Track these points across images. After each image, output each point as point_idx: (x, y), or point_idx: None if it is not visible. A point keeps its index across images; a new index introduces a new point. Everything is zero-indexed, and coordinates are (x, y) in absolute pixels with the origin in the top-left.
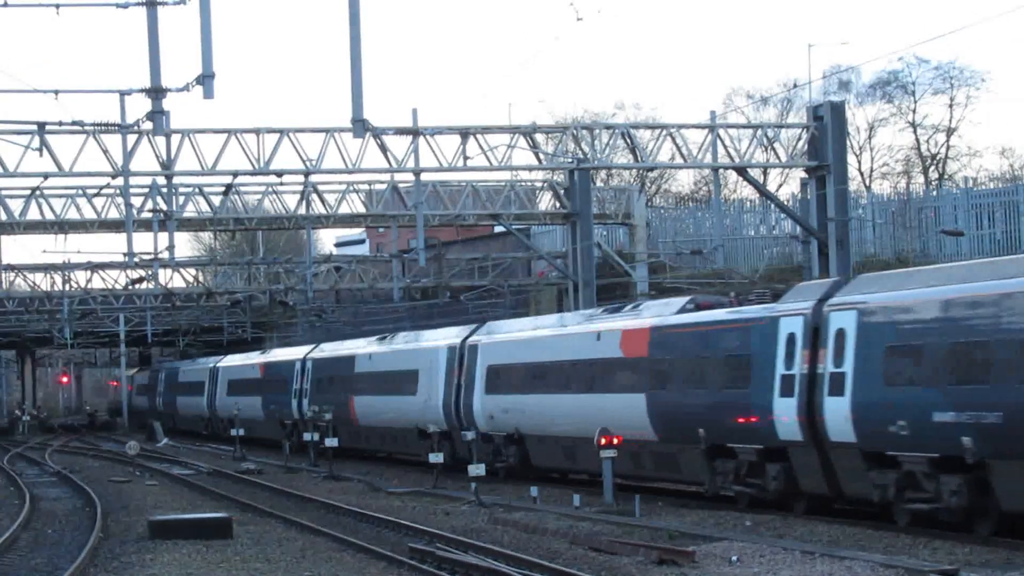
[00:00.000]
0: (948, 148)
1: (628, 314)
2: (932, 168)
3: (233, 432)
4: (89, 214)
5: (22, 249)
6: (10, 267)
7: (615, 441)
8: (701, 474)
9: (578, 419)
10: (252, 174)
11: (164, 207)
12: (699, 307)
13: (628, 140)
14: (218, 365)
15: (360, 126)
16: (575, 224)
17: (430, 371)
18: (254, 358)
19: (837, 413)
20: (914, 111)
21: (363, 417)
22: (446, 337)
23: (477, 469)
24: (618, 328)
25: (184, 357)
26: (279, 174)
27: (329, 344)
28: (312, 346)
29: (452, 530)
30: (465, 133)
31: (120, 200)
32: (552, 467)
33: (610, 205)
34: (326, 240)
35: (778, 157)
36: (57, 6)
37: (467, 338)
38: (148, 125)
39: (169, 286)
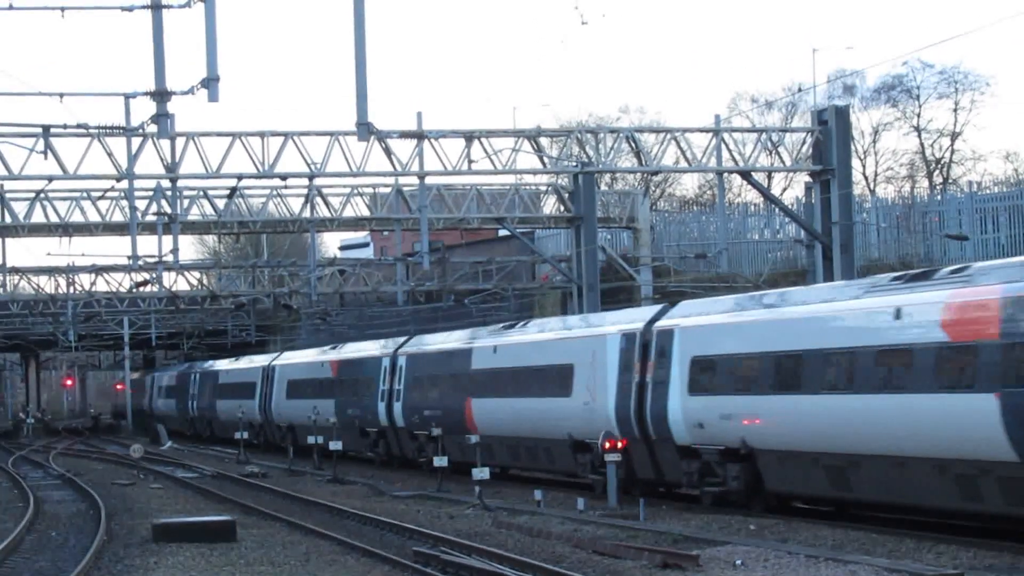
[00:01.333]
0: (952, 152)
1: (946, 282)
2: (936, 172)
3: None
4: (93, 217)
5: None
6: (14, 270)
7: (619, 445)
8: None
9: (862, 430)
10: (256, 177)
11: (168, 210)
12: None
13: (632, 144)
14: (274, 364)
15: (364, 129)
16: (579, 228)
17: (593, 366)
18: (324, 354)
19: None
20: (919, 115)
21: (485, 425)
22: (616, 322)
23: (481, 473)
24: (939, 301)
25: (189, 359)
26: (283, 177)
27: (432, 336)
28: (402, 339)
29: (456, 533)
30: (469, 136)
31: (124, 203)
32: (802, 493)
33: (614, 209)
34: (330, 243)
35: (782, 161)
36: (62, 9)
37: (654, 321)
38: (152, 128)
39: (173, 289)
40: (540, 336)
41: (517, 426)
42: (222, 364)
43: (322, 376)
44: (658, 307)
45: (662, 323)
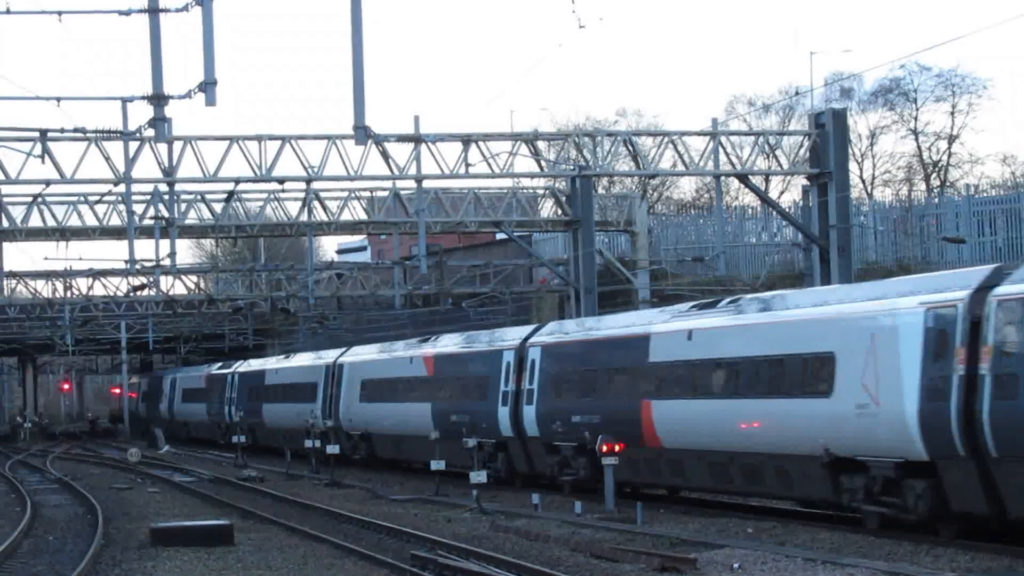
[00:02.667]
0: (950, 155)
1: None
2: (934, 175)
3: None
4: (91, 221)
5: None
6: (12, 274)
7: (616, 448)
8: None
9: None
10: (254, 181)
11: (166, 214)
12: None
13: (630, 147)
14: (342, 361)
15: (362, 133)
16: (577, 231)
17: (871, 355)
18: (414, 348)
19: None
20: (916, 118)
21: (672, 435)
22: (911, 292)
23: (479, 476)
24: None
25: (186, 364)
26: (281, 181)
27: (576, 323)
28: (530, 327)
29: (454, 537)
30: (467, 140)
31: (122, 207)
32: None
33: (612, 212)
34: (328, 247)
35: (780, 164)
36: (59, 13)
37: (980, 291)
38: (150, 132)
39: (171, 293)
40: (769, 317)
41: (729, 437)
42: (270, 362)
43: (411, 375)
44: (982, 270)
45: (1001, 293)
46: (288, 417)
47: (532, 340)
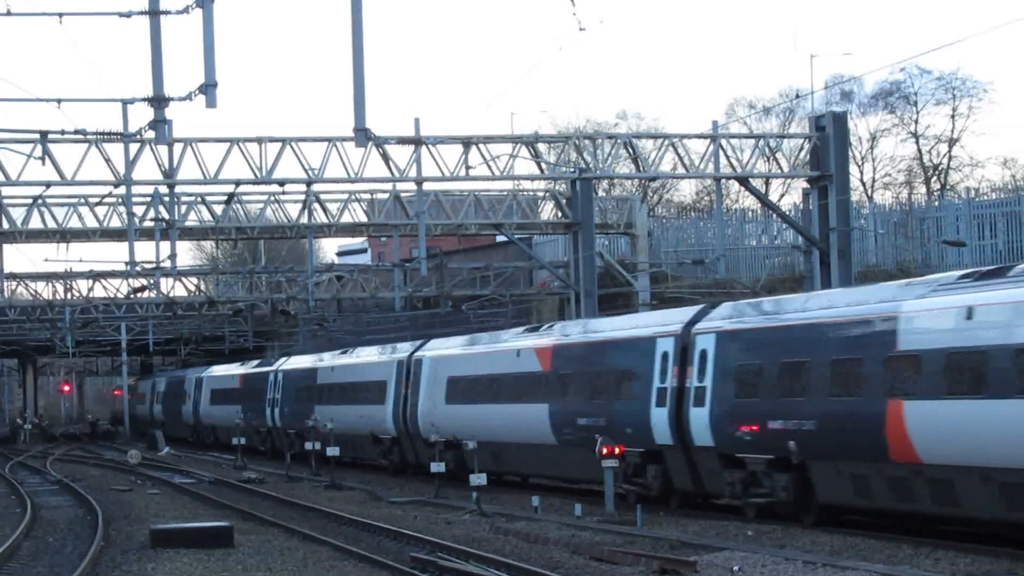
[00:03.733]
0: (950, 159)
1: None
2: (934, 178)
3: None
4: (91, 223)
5: (24, 258)
6: (12, 276)
7: (616, 451)
8: None
9: None
10: (254, 183)
11: (166, 216)
12: None
13: (630, 150)
14: (421, 355)
15: (362, 135)
16: (577, 234)
17: None
18: (523, 338)
19: None
20: (916, 121)
21: (937, 447)
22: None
23: (479, 478)
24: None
25: (187, 366)
26: (281, 183)
27: (771, 302)
28: (692, 310)
29: (453, 539)
30: (467, 142)
31: (122, 209)
32: None
33: (612, 215)
34: (328, 249)
35: (780, 167)
36: (60, 15)
37: (688, 325)
38: (150, 134)
39: (171, 295)
40: None
41: None
42: (323, 358)
43: (520, 370)
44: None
45: (702, 325)
46: (347, 421)
47: (702, 326)
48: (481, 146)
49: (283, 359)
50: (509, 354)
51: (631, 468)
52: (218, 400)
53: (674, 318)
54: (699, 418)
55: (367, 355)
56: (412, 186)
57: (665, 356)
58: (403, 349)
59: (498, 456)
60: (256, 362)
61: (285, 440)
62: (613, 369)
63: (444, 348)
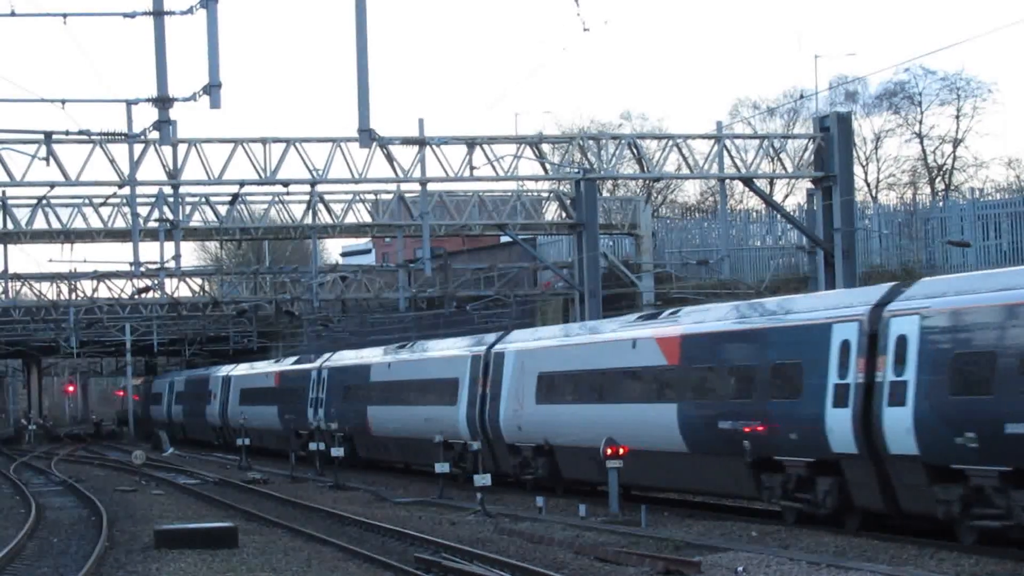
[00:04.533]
0: (954, 159)
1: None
2: (938, 179)
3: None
4: (95, 223)
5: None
6: (16, 276)
7: (620, 451)
8: None
9: None
10: (258, 183)
11: (170, 216)
12: None
13: (634, 150)
14: (503, 348)
15: (367, 136)
16: (581, 234)
17: None
18: (639, 327)
19: None
20: (920, 122)
21: None
22: None
23: (483, 479)
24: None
25: (191, 367)
26: (285, 183)
27: (983, 277)
28: (879, 290)
29: (458, 540)
30: (471, 143)
31: (126, 209)
32: None
33: (616, 215)
34: (332, 250)
35: (784, 168)
36: (64, 15)
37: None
38: (155, 134)
39: (175, 295)
40: None
41: None
42: (372, 355)
43: (637, 364)
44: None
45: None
46: (410, 424)
47: (898, 306)
48: (485, 147)
49: (327, 355)
50: (621, 345)
51: (792, 481)
52: (250, 400)
53: (855, 299)
54: (897, 420)
55: (434, 349)
56: (416, 187)
57: (845, 345)
58: (479, 342)
59: (603, 464)
60: (293, 359)
61: (331, 443)
62: (770, 362)
63: (533, 340)
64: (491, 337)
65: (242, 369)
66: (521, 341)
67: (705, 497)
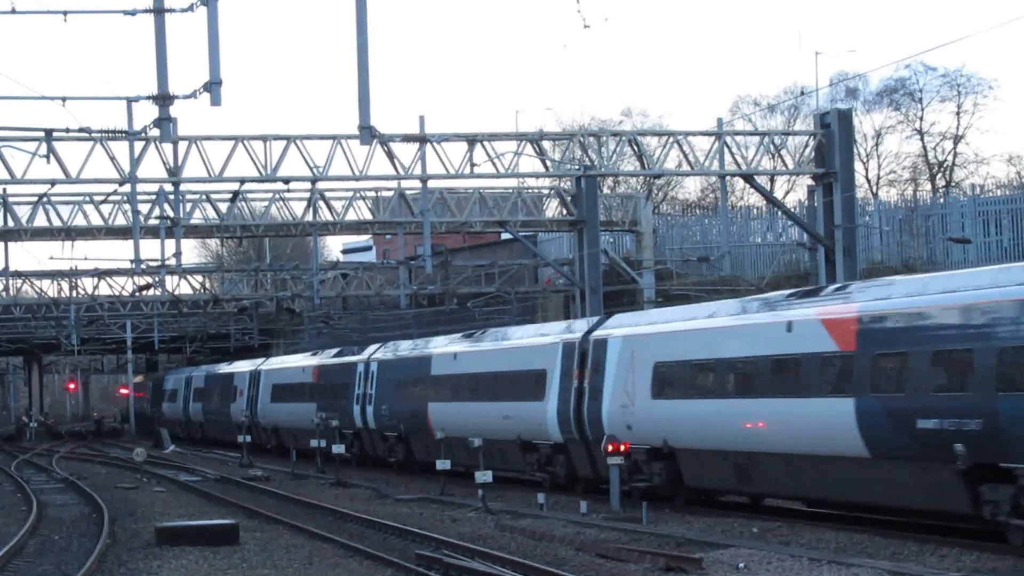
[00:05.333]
0: (955, 155)
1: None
2: (939, 175)
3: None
4: (96, 221)
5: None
6: (17, 274)
7: (621, 448)
8: None
9: None
10: (259, 181)
11: (171, 214)
12: None
13: (635, 147)
14: (604, 335)
15: (367, 133)
16: (582, 231)
17: None
18: (795, 305)
19: None
20: (921, 119)
21: None
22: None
23: (484, 476)
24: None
25: (191, 363)
26: (286, 181)
27: None
28: None
29: (459, 537)
30: (472, 140)
31: (127, 207)
32: None
33: (617, 212)
34: (333, 247)
35: (785, 164)
36: (64, 13)
37: (586, 334)
38: (155, 132)
39: (176, 293)
40: None
41: None
42: (434, 345)
43: (793, 351)
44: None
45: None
46: (484, 422)
47: None
48: (486, 144)
49: (375, 347)
50: (771, 329)
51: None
52: (283, 397)
53: None
54: None
55: (514, 338)
56: (417, 184)
57: None
58: (570, 328)
59: (747, 471)
60: (334, 351)
61: (383, 445)
62: (997, 345)
63: (646, 325)
64: (582, 323)
65: (273, 363)
66: (629, 326)
67: (891, 514)
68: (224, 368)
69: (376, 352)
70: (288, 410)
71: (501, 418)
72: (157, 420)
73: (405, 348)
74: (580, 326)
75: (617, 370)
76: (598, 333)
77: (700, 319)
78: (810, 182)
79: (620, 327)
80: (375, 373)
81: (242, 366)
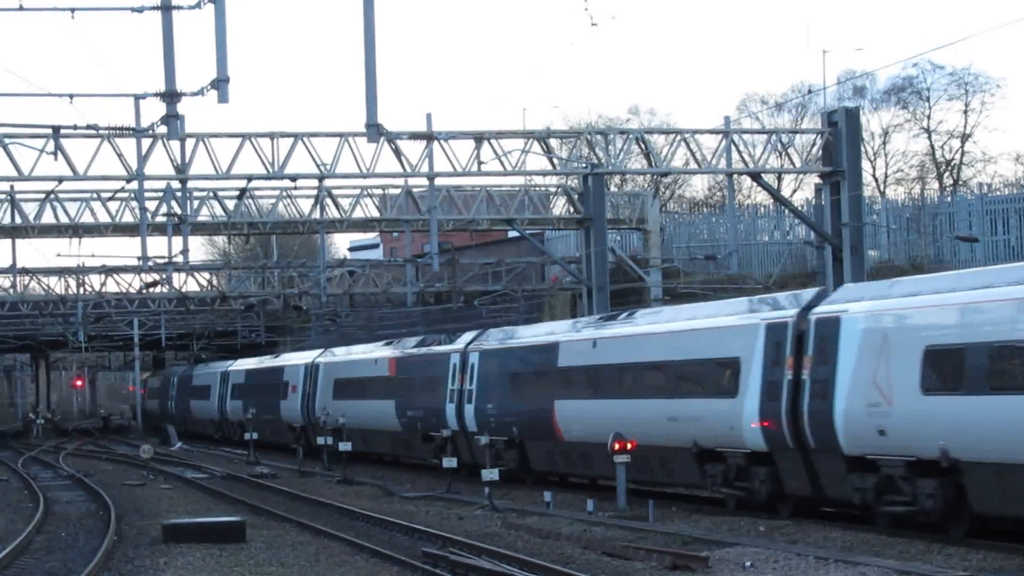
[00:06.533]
0: (963, 154)
1: None
2: (946, 174)
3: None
4: (103, 218)
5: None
6: (24, 270)
7: (628, 446)
8: None
9: None
10: (266, 178)
11: (178, 211)
12: None
13: (642, 145)
14: (834, 312)
15: (374, 131)
16: (589, 229)
17: None
18: None
19: None
20: (929, 117)
21: None
22: None
23: (491, 474)
24: None
25: (198, 361)
26: (293, 178)
27: None
28: None
29: (465, 534)
30: (479, 138)
31: (134, 204)
32: None
33: (624, 210)
34: (340, 244)
35: (792, 163)
36: (72, 10)
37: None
38: (163, 129)
39: (183, 290)
40: None
41: None
42: (562, 330)
43: None
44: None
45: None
46: (637, 424)
47: None
48: (493, 141)
49: (469, 335)
50: None
51: None
52: (349, 393)
53: None
54: None
55: (682, 319)
56: (424, 181)
57: None
58: (776, 303)
59: None
60: (414, 340)
61: (488, 453)
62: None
63: (904, 297)
64: (785, 297)
65: (335, 355)
66: (874, 299)
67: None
68: (271, 361)
69: (476, 341)
70: (355, 408)
71: (665, 419)
72: (172, 419)
73: (526, 335)
74: (787, 301)
75: (859, 358)
76: (822, 310)
77: (1001, 286)
78: (817, 180)
79: (860, 301)
80: (475, 365)
81: (294, 358)
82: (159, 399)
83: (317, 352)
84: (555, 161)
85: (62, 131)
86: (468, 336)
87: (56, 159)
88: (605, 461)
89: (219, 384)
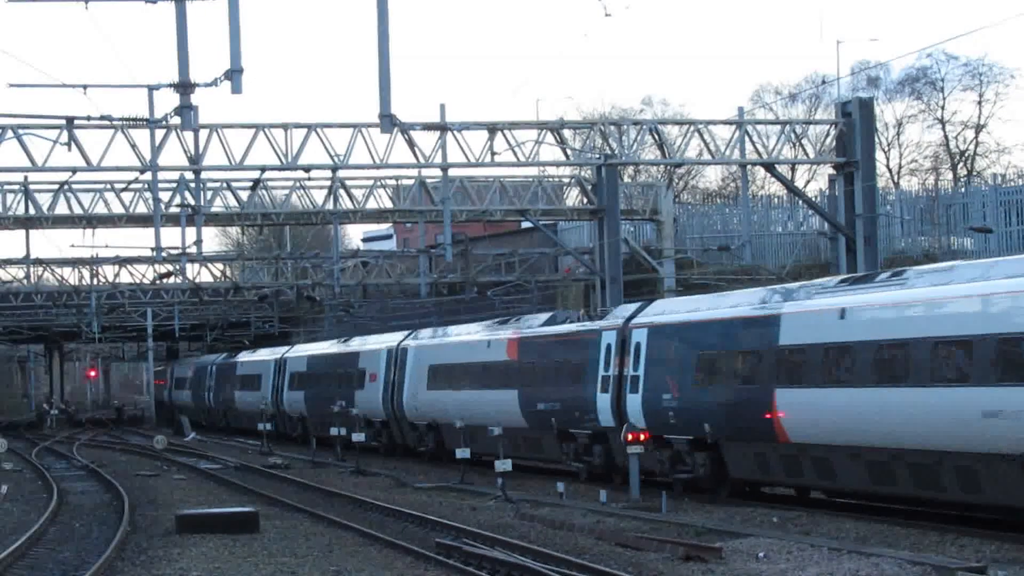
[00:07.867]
0: (977, 145)
1: None
2: (960, 165)
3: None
4: (117, 209)
5: (50, 243)
6: (38, 261)
7: (641, 437)
8: None
9: None
10: (280, 169)
11: (192, 202)
12: None
13: (656, 136)
14: None
15: (388, 121)
16: (602, 220)
17: None
18: None
19: None
20: (943, 108)
21: None
22: None
23: (504, 464)
24: None
25: (212, 351)
26: (307, 169)
27: None
28: None
29: (478, 525)
30: (493, 129)
31: (148, 195)
32: None
33: (637, 201)
34: (353, 235)
35: (806, 153)
36: (86, 1)
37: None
38: (176, 120)
39: (196, 281)
40: None
41: None
42: (783, 299)
43: None
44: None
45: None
46: (911, 421)
47: None
48: (506, 132)
49: (630, 308)
50: None
51: None
52: (450, 382)
53: None
54: None
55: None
56: (437, 172)
57: None
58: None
59: None
60: (542, 318)
61: (667, 461)
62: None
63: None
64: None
65: (428, 337)
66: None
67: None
68: (341, 346)
69: (640, 315)
70: (458, 400)
71: (978, 416)
72: (209, 412)
73: (703, 308)
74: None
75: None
76: None
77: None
78: (831, 171)
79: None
80: (642, 345)
81: (373, 342)
82: (192, 390)
83: (402, 335)
84: (568, 152)
85: (76, 122)
86: (625, 310)
87: (70, 150)
88: (857, 470)
89: (273, 373)
